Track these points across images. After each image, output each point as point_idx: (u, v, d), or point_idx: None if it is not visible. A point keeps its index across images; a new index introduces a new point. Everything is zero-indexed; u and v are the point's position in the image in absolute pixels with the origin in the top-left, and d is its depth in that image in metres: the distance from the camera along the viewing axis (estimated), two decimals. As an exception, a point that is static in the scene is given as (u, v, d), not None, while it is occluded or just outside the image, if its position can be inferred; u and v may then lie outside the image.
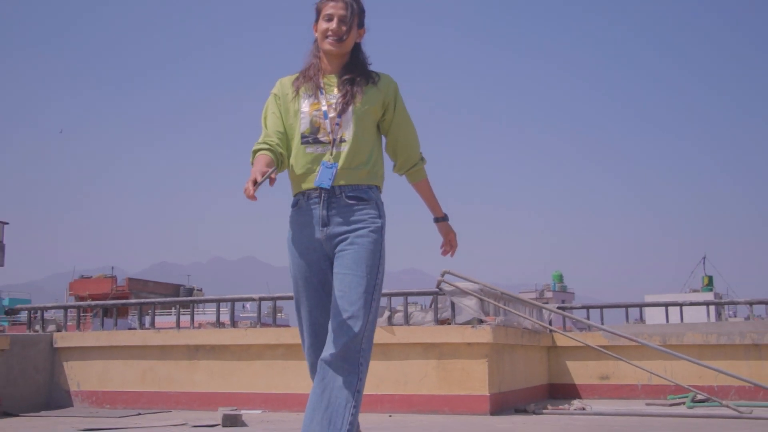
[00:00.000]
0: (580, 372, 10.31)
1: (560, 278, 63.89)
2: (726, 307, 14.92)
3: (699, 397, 8.96)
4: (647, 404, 8.99)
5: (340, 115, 3.82)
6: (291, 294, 9.76)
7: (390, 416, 7.76)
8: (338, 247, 3.75)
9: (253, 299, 10.08)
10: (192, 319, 10.16)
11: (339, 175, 3.77)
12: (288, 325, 11.11)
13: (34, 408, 9.16)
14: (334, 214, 3.77)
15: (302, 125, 3.85)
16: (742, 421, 7.24)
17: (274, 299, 10.07)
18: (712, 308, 14.32)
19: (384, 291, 9.23)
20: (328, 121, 3.82)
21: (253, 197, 3.47)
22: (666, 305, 11.95)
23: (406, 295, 9.01)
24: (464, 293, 8.99)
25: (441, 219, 4.27)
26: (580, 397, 10.08)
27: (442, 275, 9.13)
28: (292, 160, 3.89)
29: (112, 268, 68.10)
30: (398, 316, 8.99)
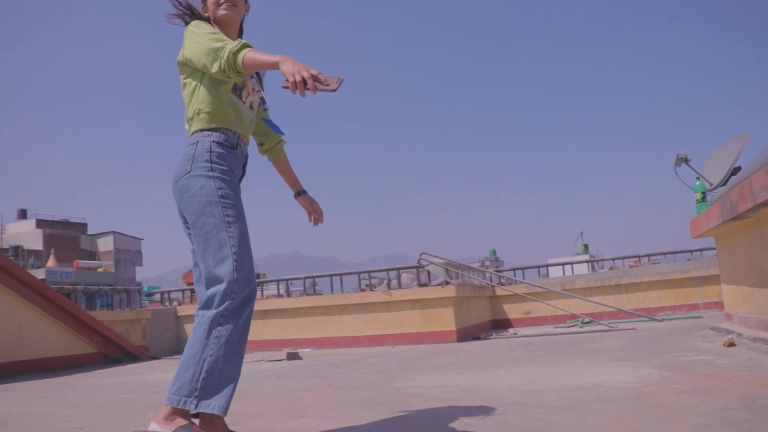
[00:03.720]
0: (512, 310, 10.30)
1: (494, 252, 63.79)
2: (597, 263, 15.08)
3: (586, 320, 9.00)
4: (555, 327, 8.99)
5: (259, 82, 2.78)
6: (326, 273, 9.73)
7: (393, 347, 7.74)
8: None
9: (299, 278, 10.06)
10: (262, 293, 10.14)
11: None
12: (322, 293, 11.10)
13: (168, 353, 9.13)
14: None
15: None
16: (612, 333, 7.27)
17: (313, 277, 10.05)
18: (589, 265, 14.44)
19: (383, 267, 9.25)
20: (252, 82, 2.70)
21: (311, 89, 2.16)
22: (563, 264, 12.02)
23: (398, 269, 8.99)
24: (435, 266, 9.00)
25: (302, 192, 2.97)
26: (512, 326, 10.07)
27: (421, 255, 9.14)
28: (226, 102, 2.57)
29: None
30: (394, 283, 8.98)
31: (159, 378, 5.69)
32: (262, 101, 2.84)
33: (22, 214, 56.13)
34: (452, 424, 2.66)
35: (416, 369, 4.97)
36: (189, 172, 2.48)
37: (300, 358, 6.84)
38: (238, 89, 2.63)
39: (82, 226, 57.48)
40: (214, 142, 2.53)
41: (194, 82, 2.57)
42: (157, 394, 4.47)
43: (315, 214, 2.95)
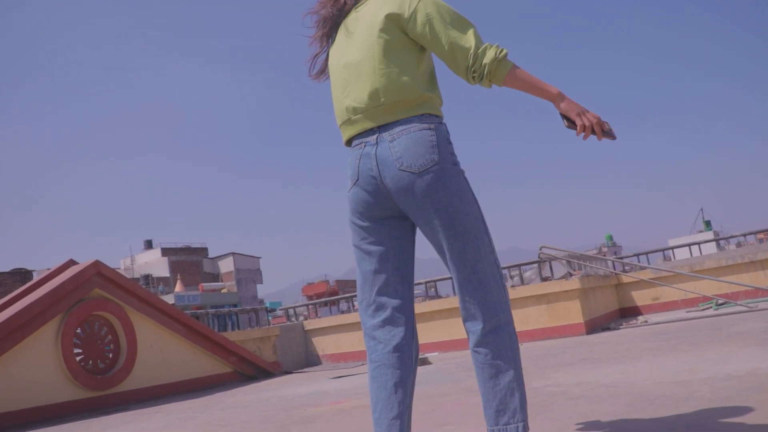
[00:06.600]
0: (639, 297, 9.94)
1: (611, 238, 61.66)
2: (725, 240, 14.36)
3: (720, 302, 8.56)
4: (687, 312, 8.61)
5: None
6: (446, 276, 9.73)
7: (521, 345, 7.65)
8: None
9: (420, 283, 10.11)
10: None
11: None
12: (440, 296, 11.06)
13: (298, 367, 9.41)
14: None
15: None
16: (752, 313, 6.89)
17: (434, 281, 10.07)
18: (716, 243, 13.76)
19: (503, 265, 9.15)
20: None
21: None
22: (688, 245, 11.47)
23: (519, 266, 8.89)
24: (556, 258, 8.83)
25: None
26: (641, 314, 9.72)
27: (540, 249, 8.99)
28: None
29: (325, 275, 69.57)
30: (516, 280, 8.89)
31: (295, 392, 5.86)
32: None
33: (148, 245, 59.36)
34: (601, 424, 2.59)
35: (550, 366, 4.88)
36: (438, 162, 1.94)
37: (429, 363, 6.87)
38: None
39: (203, 251, 60.08)
40: (448, 132, 2.05)
41: (415, 53, 2.02)
42: (298, 409, 4.60)
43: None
